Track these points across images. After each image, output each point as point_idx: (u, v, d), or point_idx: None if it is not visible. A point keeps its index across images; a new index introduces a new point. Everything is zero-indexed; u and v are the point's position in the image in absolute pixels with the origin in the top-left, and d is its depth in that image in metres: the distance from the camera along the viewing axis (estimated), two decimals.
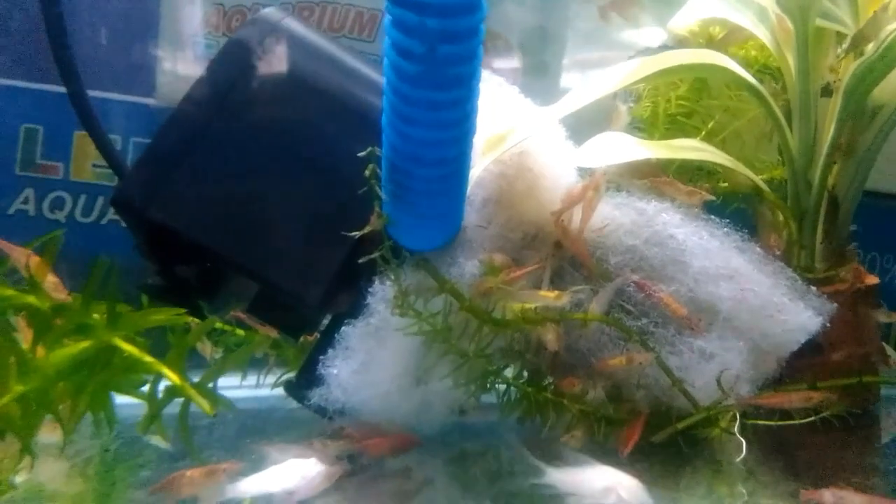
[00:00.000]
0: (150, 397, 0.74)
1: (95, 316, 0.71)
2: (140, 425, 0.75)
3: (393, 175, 0.66)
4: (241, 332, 1.00)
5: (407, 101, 0.59)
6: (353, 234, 0.68)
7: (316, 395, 0.79)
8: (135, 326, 0.72)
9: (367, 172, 0.65)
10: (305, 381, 0.82)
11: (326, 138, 0.80)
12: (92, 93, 0.94)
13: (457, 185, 0.68)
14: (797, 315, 0.80)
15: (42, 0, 0.83)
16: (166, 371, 0.71)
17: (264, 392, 1.01)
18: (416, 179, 0.65)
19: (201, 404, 0.71)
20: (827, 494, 0.61)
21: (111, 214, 1.20)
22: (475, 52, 0.57)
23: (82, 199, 1.20)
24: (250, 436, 0.88)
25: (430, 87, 0.57)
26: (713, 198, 0.88)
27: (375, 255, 0.69)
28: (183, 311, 0.74)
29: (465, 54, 0.56)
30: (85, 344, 0.70)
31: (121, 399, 0.81)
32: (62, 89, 0.94)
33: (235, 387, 1.03)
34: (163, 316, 0.73)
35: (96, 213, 1.20)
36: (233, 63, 0.80)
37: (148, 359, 0.71)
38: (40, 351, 0.69)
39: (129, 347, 0.71)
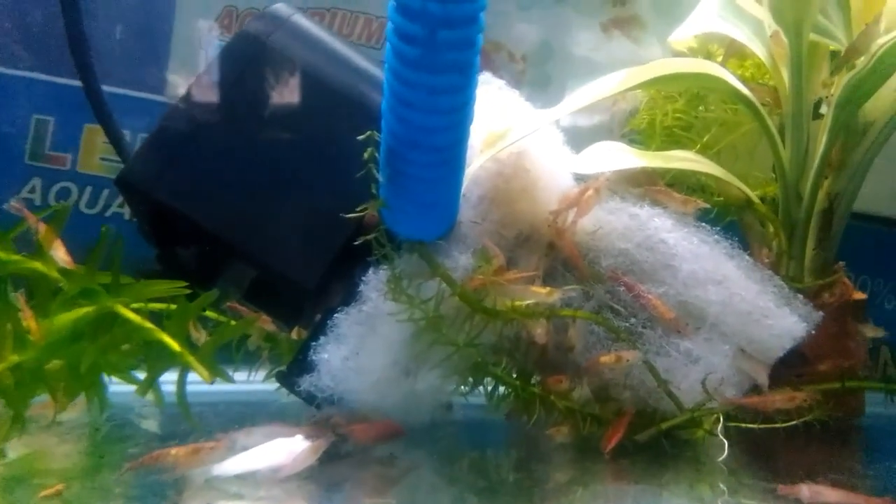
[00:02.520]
0: (150, 362, 0.75)
1: (99, 283, 0.73)
2: (139, 388, 0.76)
3: (391, 160, 0.68)
4: (234, 322, 1.01)
5: (406, 84, 0.61)
6: (351, 215, 0.69)
7: (306, 383, 0.80)
8: (138, 295, 0.74)
9: (365, 155, 0.66)
10: (297, 368, 0.83)
11: (329, 131, 0.83)
12: (104, 88, 0.97)
13: (452, 173, 0.70)
14: (783, 320, 0.81)
15: None
16: (166, 338, 0.72)
17: (257, 386, 1.02)
18: (413, 165, 0.66)
19: (200, 371, 0.72)
20: (804, 489, 0.61)
21: (115, 207, 1.22)
22: (474, 39, 0.59)
23: (88, 191, 1.22)
24: (240, 425, 0.88)
25: (429, 71, 0.59)
26: (706, 205, 0.89)
27: (371, 236, 0.70)
28: (184, 284, 0.75)
29: (463, 40, 0.58)
30: (88, 309, 0.71)
31: (114, 387, 0.83)
32: (75, 82, 0.97)
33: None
34: (165, 286, 0.74)
35: (101, 205, 1.22)
36: (241, 53, 0.82)
37: (148, 325, 0.72)
38: (41, 321, 0.70)
39: (130, 314, 0.72)
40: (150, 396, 0.79)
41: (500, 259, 0.79)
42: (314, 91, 0.83)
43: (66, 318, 0.70)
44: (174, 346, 0.73)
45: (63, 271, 0.73)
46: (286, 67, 0.83)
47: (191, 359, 0.72)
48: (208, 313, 0.95)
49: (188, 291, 0.76)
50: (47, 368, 0.76)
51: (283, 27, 0.84)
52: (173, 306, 0.79)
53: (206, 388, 1.02)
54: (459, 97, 0.62)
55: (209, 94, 0.80)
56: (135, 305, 0.75)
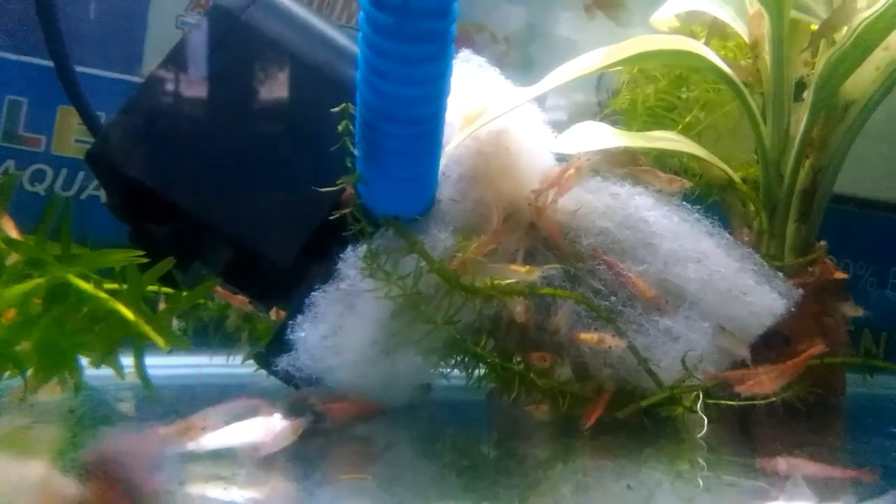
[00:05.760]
0: (105, 332, 0.73)
1: (49, 253, 0.70)
2: (93, 359, 0.74)
3: (366, 134, 0.66)
4: (212, 305, 1.00)
5: (381, 54, 0.59)
6: (327, 189, 0.68)
7: (283, 362, 0.78)
8: (90, 264, 0.71)
9: (339, 128, 0.65)
10: (275, 349, 0.82)
11: (305, 107, 0.81)
12: (79, 68, 0.95)
13: (430, 148, 0.69)
14: (763, 297, 0.81)
15: None
16: (121, 308, 0.70)
17: (236, 370, 1.01)
18: (389, 138, 0.65)
19: (155, 339, 0.70)
20: (782, 462, 0.61)
21: (91, 189, 1.20)
22: (449, 7, 0.58)
23: (63, 173, 1.20)
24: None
25: (403, 40, 0.58)
26: (691, 184, 0.89)
27: (346, 210, 0.69)
28: (140, 253, 0.74)
29: (438, 8, 0.57)
30: (39, 280, 0.69)
31: (91, 371, 0.81)
32: (48, 63, 0.95)
33: (206, 365, 1.03)
34: (119, 256, 0.72)
35: (76, 187, 1.20)
36: (214, 28, 0.81)
37: (102, 295, 0.70)
38: None
39: (83, 284, 0.69)
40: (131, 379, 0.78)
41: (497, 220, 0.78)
42: (289, 66, 0.82)
43: (17, 290, 0.68)
44: (128, 314, 0.70)
45: (10, 241, 0.70)
46: (260, 43, 0.81)
47: (146, 327, 0.70)
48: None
49: (144, 261, 0.74)
50: (19, 349, 0.74)
51: (257, 1, 0.83)
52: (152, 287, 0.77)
53: (184, 371, 1.02)
54: (435, 67, 0.61)
55: (181, 70, 0.79)
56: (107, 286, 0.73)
